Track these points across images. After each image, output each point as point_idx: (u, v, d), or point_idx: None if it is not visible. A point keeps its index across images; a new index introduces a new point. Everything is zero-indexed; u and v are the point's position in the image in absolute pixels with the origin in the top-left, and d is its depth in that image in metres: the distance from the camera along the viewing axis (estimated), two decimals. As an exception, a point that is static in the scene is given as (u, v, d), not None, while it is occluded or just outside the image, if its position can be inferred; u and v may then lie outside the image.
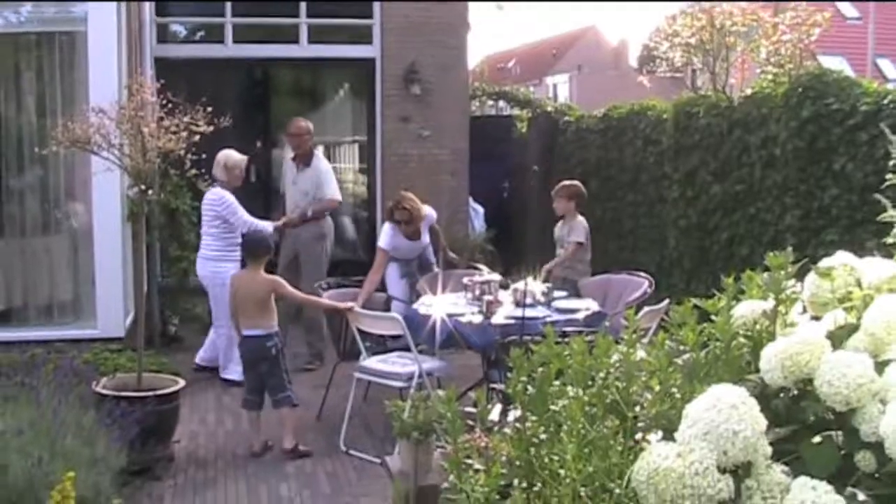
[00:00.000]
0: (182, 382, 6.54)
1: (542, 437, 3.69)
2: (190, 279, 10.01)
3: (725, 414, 2.38)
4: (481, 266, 8.80)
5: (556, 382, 3.93)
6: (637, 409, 3.41)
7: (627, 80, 52.50)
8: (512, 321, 6.67)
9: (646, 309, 6.90)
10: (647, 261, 11.29)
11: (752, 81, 9.88)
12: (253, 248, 7.11)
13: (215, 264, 8.50)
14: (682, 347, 3.46)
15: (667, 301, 7.22)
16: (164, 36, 11.91)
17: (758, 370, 2.69)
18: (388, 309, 7.96)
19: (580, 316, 6.90)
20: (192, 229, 10.02)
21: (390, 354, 7.11)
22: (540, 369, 4.05)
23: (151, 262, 10.10)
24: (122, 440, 5.47)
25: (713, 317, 3.20)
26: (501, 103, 17.69)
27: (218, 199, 8.45)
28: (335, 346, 7.62)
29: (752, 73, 10.24)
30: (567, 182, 8.86)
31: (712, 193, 9.97)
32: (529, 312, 6.83)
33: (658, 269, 11.05)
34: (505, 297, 7.25)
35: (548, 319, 6.70)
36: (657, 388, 3.50)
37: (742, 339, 3.16)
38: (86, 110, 6.12)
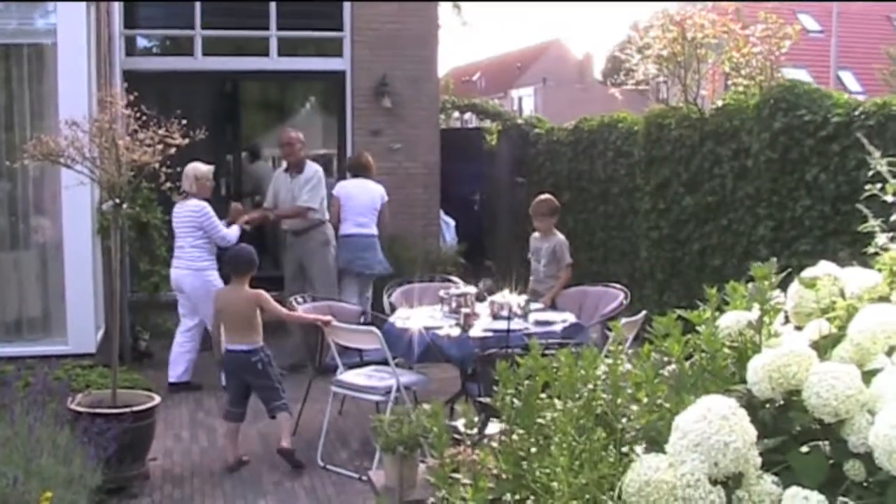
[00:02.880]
0: (157, 399, 6.48)
1: (532, 449, 3.68)
2: (161, 294, 9.94)
3: (716, 425, 2.37)
4: (456, 279, 8.78)
5: (542, 395, 3.91)
6: (624, 420, 3.40)
7: (592, 92, 52.92)
8: (490, 334, 6.66)
9: (623, 320, 6.89)
10: (619, 272, 11.32)
11: (722, 94, 9.91)
12: (235, 264, 7.04)
13: (206, 274, 8.58)
14: (666, 359, 3.47)
15: (643, 312, 7.23)
16: (132, 49, 11.81)
17: (743, 381, 2.70)
18: (362, 322, 7.93)
19: (558, 328, 6.89)
20: (164, 243, 9.94)
21: (367, 368, 7.08)
22: (526, 382, 4.04)
23: (122, 277, 9.99)
24: (98, 458, 5.41)
25: (697, 328, 3.19)
26: (467, 116, 17.74)
27: (199, 209, 8.54)
28: (310, 360, 7.57)
29: (722, 86, 10.28)
30: (545, 197, 8.69)
31: (684, 205, 10.02)
32: (503, 325, 6.82)
33: (630, 280, 11.07)
34: (482, 309, 7.24)
35: (527, 331, 6.70)
36: (644, 399, 3.50)
37: (726, 350, 3.16)
38: (58, 123, 6.05)
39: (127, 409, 6.05)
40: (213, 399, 8.64)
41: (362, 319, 8.00)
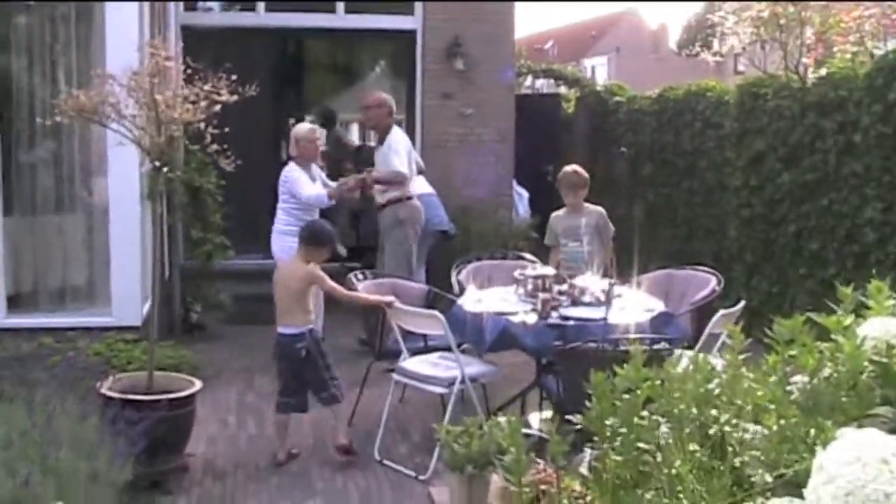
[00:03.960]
0: (198, 384, 5.84)
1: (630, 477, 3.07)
2: (215, 263, 9.35)
3: (873, 470, 1.89)
4: (531, 257, 8.03)
5: (644, 413, 3.25)
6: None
7: (666, 63, 51.71)
8: (571, 322, 5.94)
9: (721, 312, 6.15)
10: (704, 252, 10.53)
11: (827, 61, 9.03)
12: (306, 235, 6.34)
13: (286, 239, 7.95)
14: (789, 370, 2.88)
15: (742, 303, 6.47)
16: (191, 3, 11.18)
17: (887, 402, 2.41)
18: (429, 303, 7.24)
19: (647, 318, 6.14)
20: (218, 210, 9.34)
21: (432, 355, 6.40)
22: (625, 396, 3.36)
23: (173, 245, 9.44)
24: (128, 452, 4.79)
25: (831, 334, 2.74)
26: (539, 83, 16.94)
27: (284, 174, 8.28)
28: (370, 343, 6.91)
29: (824, 53, 9.39)
30: (569, 168, 7.67)
31: (780, 182, 9.18)
32: (589, 312, 6.10)
33: (715, 261, 10.28)
34: (559, 293, 6.52)
35: (611, 321, 5.96)
36: (774, 426, 2.87)
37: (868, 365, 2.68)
38: (96, 77, 5.41)
39: (162, 397, 5.42)
40: (265, 378, 8.01)
41: (429, 299, 7.30)
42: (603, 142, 13.27)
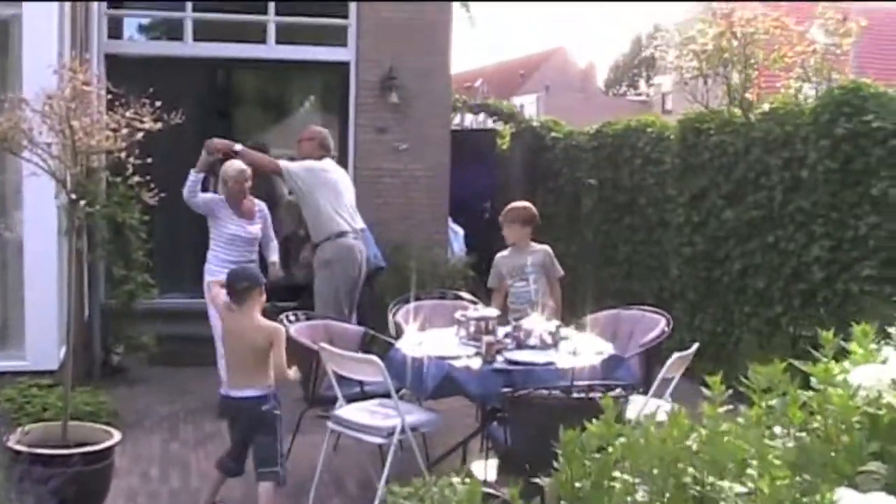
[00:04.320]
0: (117, 436, 5.39)
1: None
2: (137, 303, 8.87)
3: None
4: (471, 297, 7.70)
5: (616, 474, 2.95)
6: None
7: (594, 101, 52.12)
8: (517, 367, 5.60)
9: (676, 355, 5.86)
10: (644, 291, 10.31)
11: (769, 97, 8.86)
12: (233, 282, 5.61)
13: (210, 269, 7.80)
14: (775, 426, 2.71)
15: (696, 345, 6.19)
16: (116, 31, 10.73)
17: (876, 456, 2.30)
18: (365, 345, 6.87)
19: (597, 361, 5.82)
20: (142, 247, 8.88)
21: (370, 402, 6.01)
22: (594, 455, 3.06)
23: (94, 284, 8.95)
24: (36, 514, 4.34)
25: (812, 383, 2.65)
26: (468, 119, 16.71)
27: None
28: (304, 389, 6.49)
29: (768, 89, 9.24)
30: (520, 205, 7.40)
31: (723, 219, 8.98)
32: (536, 356, 5.78)
33: (657, 300, 10.05)
34: (503, 336, 6.18)
35: (559, 366, 5.64)
36: (763, 486, 2.64)
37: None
38: (6, 102, 4.97)
39: (76, 451, 4.97)
40: (189, 426, 7.58)
41: (365, 341, 6.92)
42: (539, 178, 13.02)
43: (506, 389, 5.10)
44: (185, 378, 8.85)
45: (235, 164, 7.74)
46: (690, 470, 2.85)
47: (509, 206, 7.28)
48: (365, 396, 6.09)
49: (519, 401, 4.93)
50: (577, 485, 2.93)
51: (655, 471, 2.84)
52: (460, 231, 11.76)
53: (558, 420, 4.98)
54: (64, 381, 5.47)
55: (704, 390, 2.75)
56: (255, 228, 7.82)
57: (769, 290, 8.45)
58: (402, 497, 3.44)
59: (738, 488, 2.78)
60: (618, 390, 4.92)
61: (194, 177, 7.77)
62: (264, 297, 5.65)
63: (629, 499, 2.83)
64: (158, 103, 5.01)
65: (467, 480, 3.39)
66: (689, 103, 9.75)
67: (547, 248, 7.15)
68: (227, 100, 11.71)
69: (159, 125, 4.91)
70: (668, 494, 2.81)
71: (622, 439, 3.01)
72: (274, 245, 8.09)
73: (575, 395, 4.82)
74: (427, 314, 7.39)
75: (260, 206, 7.95)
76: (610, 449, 2.98)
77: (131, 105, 4.91)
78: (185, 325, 9.50)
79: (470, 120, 16.33)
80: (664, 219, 10.08)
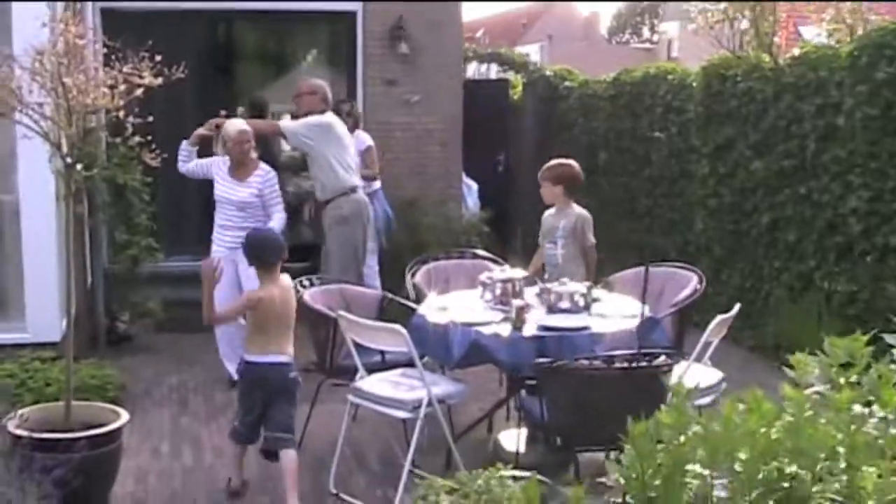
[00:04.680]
0: (125, 416, 5.02)
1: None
2: (141, 268, 8.51)
3: None
4: (492, 256, 7.31)
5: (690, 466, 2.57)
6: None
7: (597, 50, 51.44)
8: (549, 333, 5.24)
9: (718, 318, 5.49)
10: (667, 245, 9.94)
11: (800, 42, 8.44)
12: (261, 252, 5.34)
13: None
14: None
15: (737, 306, 5.82)
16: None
17: None
18: (383, 310, 6.49)
19: (632, 324, 5.46)
20: (144, 209, 8.49)
21: (392, 372, 5.64)
22: (660, 446, 2.69)
23: (95, 249, 8.58)
24: (39, 505, 4.01)
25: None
26: (476, 68, 16.25)
27: None
28: (319, 359, 6.13)
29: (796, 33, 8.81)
30: (555, 162, 6.89)
31: (752, 169, 8.59)
32: (568, 321, 5.41)
33: (680, 254, 9.69)
34: (532, 298, 5.82)
35: (595, 331, 5.28)
36: (869, 485, 2.29)
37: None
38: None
39: (82, 434, 4.61)
40: (200, 398, 7.24)
41: (383, 306, 6.55)
42: (554, 128, 12.62)
43: (540, 359, 4.72)
44: (194, 345, 8.49)
45: (236, 124, 7.28)
46: (775, 463, 2.51)
47: (547, 164, 6.82)
48: (386, 366, 5.72)
49: (556, 371, 4.57)
50: (649, 481, 2.59)
51: (738, 465, 2.51)
52: (474, 185, 11.37)
53: (598, 391, 4.64)
54: (65, 356, 5.10)
55: (731, 351, 2.39)
56: (245, 192, 7.17)
57: (801, 243, 8.08)
58: (443, 492, 3.08)
59: (834, 484, 2.46)
60: (662, 358, 4.56)
61: (186, 148, 7.42)
62: None
63: (706, 496, 2.52)
64: (158, 57, 4.61)
65: (517, 474, 3.05)
66: (699, 50, 9.32)
67: (582, 212, 6.69)
68: (227, 55, 11.29)
69: (159, 81, 4.51)
70: (755, 492, 2.48)
71: (696, 428, 2.66)
72: (278, 215, 7.24)
73: (617, 364, 4.47)
74: (445, 275, 7.04)
75: (263, 170, 7.28)
76: (682, 439, 2.65)
77: (129, 60, 4.51)
78: (191, 290, 8.97)
79: (474, 70, 15.84)
80: (686, 170, 9.69)
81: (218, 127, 7.37)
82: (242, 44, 11.65)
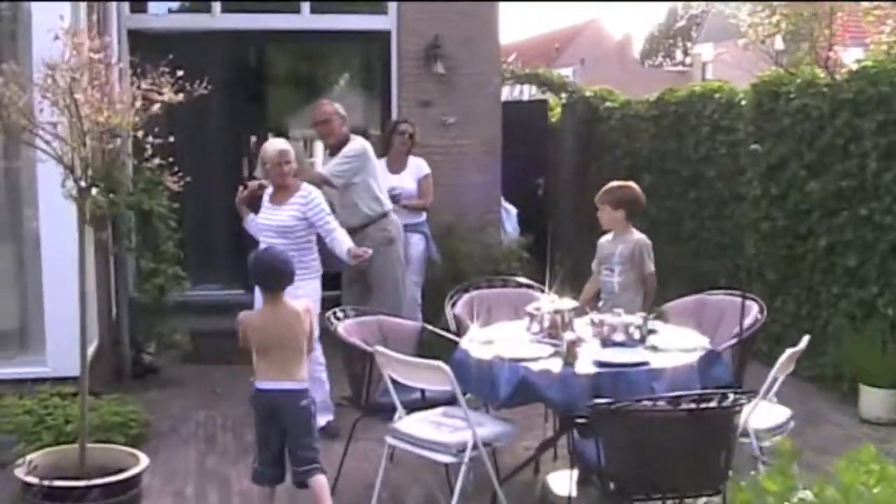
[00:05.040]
0: (144, 462, 4.65)
1: None
2: (168, 298, 8.16)
3: None
4: (537, 285, 6.89)
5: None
6: None
7: (631, 73, 51.05)
8: (604, 370, 4.82)
9: (787, 352, 5.06)
10: (715, 270, 9.52)
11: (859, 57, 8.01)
12: (264, 276, 5.11)
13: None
14: None
15: (806, 338, 5.38)
16: (140, 5, 9.98)
17: None
18: (422, 342, 6.09)
19: (693, 358, 5.04)
20: (171, 236, 8.14)
21: (433, 411, 5.23)
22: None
23: (121, 278, 8.24)
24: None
25: None
26: (516, 91, 15.91)
27: None
28: (354, 395, 5.75)
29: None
30: (615, 184, 6.55)
31: (807, 191, 8.15)
32: (624, 356, 4.99)
33: (730, 279, 9.28)
34: (583, 330, 5.41)
35: (653, 366, 4.86)
36: None
37: None
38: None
39: (95, 483, 4.24)
40: (229, 435, 6.86)
41: (422, 339, 6.15)
42: (594, 151, 12.22)
43: (597, 399, 4.30)
44: (222, 377, 8.15)
45: (276, 144, 6.74)
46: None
47: (605, 187, 6.44)
48: (426, 404, 5.32)
49: (615, 413, 4.15)
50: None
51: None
52: (513, 210, 10.96)
53: (661, 434, 4.21)
54: (81, 392, 4.73)
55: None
56: (285, 215, 6.55)
57: (863, 268, 7.63)
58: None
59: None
60: (733, 398, 4.14)
61: (251, 220, 6.84)
62: None
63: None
64: (180, 73, 4.26)
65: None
66: (733, 71, 8.90)
67: (642, 238, 6.31)
68: (258, 77, 10.95)
69: (180, 97, 4.16)
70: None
71: (805, 495, 2.25)
72: (335, 233, 6.55)
73: (683, 406, 4.04)
74: (489, 305, 6.64)
75: (305, 190, 6.62)
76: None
77: (148, 76, 4.16)
78: (220, 320, 8.70)
79: (507, 93, 15.46)
80: (736, 192, 9.26)
81: (261, 187, 6.81)
82: (273, 66, 11.32)
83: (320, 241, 6.62)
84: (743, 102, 9.22)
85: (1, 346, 7.07)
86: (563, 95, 13.09)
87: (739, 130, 9.15)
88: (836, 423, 7.06)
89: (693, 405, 4.03)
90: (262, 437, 5.04)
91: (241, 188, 6.83)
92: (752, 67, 8.94)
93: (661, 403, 4.06)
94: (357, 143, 7.41)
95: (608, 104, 12.15)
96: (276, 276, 5.00)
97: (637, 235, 6.29)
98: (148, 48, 8.41)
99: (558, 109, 13.32)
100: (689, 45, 63.15)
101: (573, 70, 55.98)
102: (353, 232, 6.81)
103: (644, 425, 4.17)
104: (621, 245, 6.21)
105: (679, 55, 73.08)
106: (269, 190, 6.73)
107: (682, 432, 4.15)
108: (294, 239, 6.51)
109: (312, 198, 6.58)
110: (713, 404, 4.05)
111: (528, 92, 15.69)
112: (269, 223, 6.61)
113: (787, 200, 8.44)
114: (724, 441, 4.25)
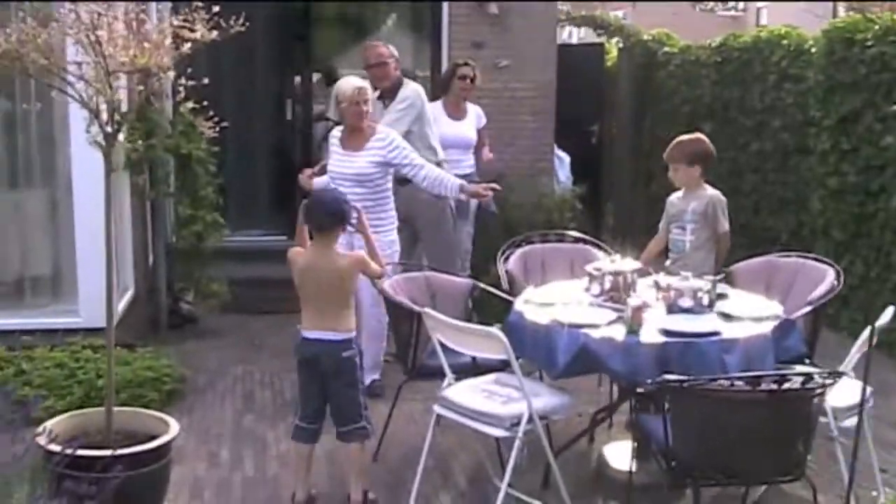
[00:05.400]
0: (174, 428, 4.32)
1: None
2: (207, 244, 7.84)
3: None
4: (595, 240, 6.48)
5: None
6: None
7: (684, 17, 50.05)
8: (672, 339, 4.44)
9: (870, 327, 4.63)
10: (778, 226, 9.12)
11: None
12: (316, 217, 4.70)
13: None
14: None
15: (892, 309, 4.95)
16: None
17: None
18: (473, 300, 5.72)
19: (767, 328, 4.65)
20: (210, 182, 7.79)
21: (484, 378, 4.88)
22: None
23: (158, 225, 7.93)
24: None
25: None
26: (565, 35, 15.35)
27: None
28: (401, 357, 5.40)
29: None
30: (685, 139, 6.05)
31: (882, 145, 7.65)
32: (693, 324, 4.60)
33: (793, 237, 8.88)
34: (646, 292, 5.02)
35: (725, 336, 4.47)
36: None
37: None
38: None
39: (122, 453, 3.92)
40: (267, 392, 6.57)
41: (473, 297, 5.76)
42: (651, 98, 11.74)
43: (668, 375, 3.90)
44: (262, 328, 7.88)
45: (352, 81, 6.08)
46: None
47: (675, 141, 6.00)
48: (478, 370, 4.96)
49: (688, 392, 3.76)
50: None
51: None
52: (566, 158, 10.50)
53: (737, 416, 3.83)
54: (108, 350, 4.41)
55: None
56: (364, 161, 5.98)
57: (940, 228, 7.18)
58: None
59: None
60: (819, 378, 3.75)
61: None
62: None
63: None
64: (216, 8, 3.88)
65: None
66: (789, 19, 8.38)
67: (716, 194, 5.89)
68: (301, 16, 10.50)
69: (214, 34, 3.78)
70: None
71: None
72: (425, 170, 6.06)
73: (764, 387, 3.66)
74: (542, 260, 6.26)
75: (382, 132, 6.09)
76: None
77: (181, 11, 3.79)
78: (260, 267, 8.54)
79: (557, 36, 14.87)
80: (803, 144, 8.77)
81: (314, 174, 6.30)
82: (318, 6, 10.87)
83: None
84: (813, 50, 8.71)
85: (33, 295, 6.81)
86: (617, 39, 12.53)
87: (809, 79, 8.65)
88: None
89: (775, 386, 3.64)
90: (303, 390, 4.74)
91: (305, 172, 6.34)
92: (807, 14, 8.41)
93: (738, 383, 3.67)
94: (410, 90, 6.98)
95: (667, 49, 11.62)
96: (328, 215, 4.63)
97: (711, 191, 5.88)
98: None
99: (614, 53, 12.79)
100: (743, -12, 61.89)
101: (623, 13, 55.08)
102: (403, 182, 6.38)
103: (718, 405, 3.79)
104: (694, 202, 5.80)
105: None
106: (337, 134, 6.19)
107: (759, 414, 3.77)
108: (373, 188, 6.01)
109: (392, 139, 6.06)
110: (797, 386, 3.66)
111: (576, 35, 15.16)
112: (342, 171, 6.03)
113: (858, 155, 7.96)
114: (804, 425, 3.87)
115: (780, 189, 9.23)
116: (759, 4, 44.75)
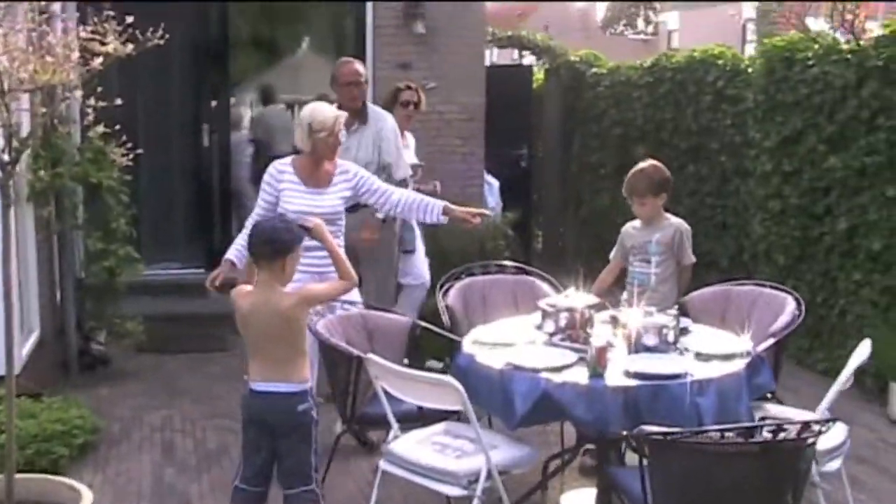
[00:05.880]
0: (87, 497, 3.81)
1: None
2: (119, 281, 7.30)
3: None
4: (539, 272, 6.06)
5: None
6: None
7: (596, 41, 50.57)
8: (641, 382, 4.05)
9: (851, 365, 4.31)
10: (716, 251, 8.84)
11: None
12: (255, 245, 4.12)
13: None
14: None
15: (867, 342, 4.63)
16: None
17: None
18: (414, 342, 5.24)
19: (739, 366, 4.30)
20: (123, 213, 7.26)
21: (433, 429, 4.44)
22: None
23: (66, 259, 7.37)
24: None
25: None
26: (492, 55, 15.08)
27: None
28: (337, 406, 4.90)
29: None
30: (644, 167, 5.55)
31: (826, 167, 7.42)
32: (659, 364, 4.22)
33: (733, 263, 8.67)
34: (603, 329, 4.63)
35: (697, 377, 4.10)
36: None
37: None
38: None
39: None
40: (189, 441, 6.04)
41: (414, 336, 5.29)
42: (579, 120, 11.46)
43: (648, 427, 3.48)
44: (180, 369, 7.37)
45: (326, 109, 5.41)
46: None
47: (632, 172, 5.57)
48: (424, 418, 4.52)
49: (672, 446, 3.37)
50: None
51: None
52: (495, 183, 10.15)
53: (724, 470, 3.45)
54: (8, 404, 3.89)
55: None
56: (334, 199, 5.40)
57: (888, 252, 6.93)
58: None
59: None
60: (816, 428, 3.38)
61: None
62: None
63: None
64: (130, 18, 3.41)
65: None
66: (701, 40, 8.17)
67: (681, 223, 5.53)
68: (220, 35, 9.99)
69: (129, 48, 3.31)
70: None
71: None
72: (396, 195, 5.51)
73: (757, 439, 3.28)
74: (483, 294, 5.84)
75: (343, 166, 5.50)
76: None
77: (89, 22, 3.32)
78: (177, 302, 8.09)
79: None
80: (743, 167, 8.53)
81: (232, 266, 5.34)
82: (236, 22, 10.37)
83: None
84: (750, 70, 8.49)
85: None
86: (545, 60, 12.24)
87: (747, 99, 8.41)
88: (865, 425, 6.38)
89: (769, 436, 3.26)
90: (248, 447, 4.15)
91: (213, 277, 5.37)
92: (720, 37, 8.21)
93: (730, 435, 3.28)
94: (379, 113, 6.71)
95: (595, 70, 11.37)
96: (263, 244, 4.05)
97: (674, 220, 5.54)
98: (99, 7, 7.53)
99: (540, 75, 12.50)
100: (651, 14, 62.54)
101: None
102: (350, 210, 5.82)
103: (705, 458, 3.41)
104: (657, 233, 5.44)
105: (640, 24, 72.38)
106: (286, 169, 5.45)
107: (750, 466, 3.39)
108: (341, 224, 5.45)
109: (355, 170, 5.52)
110: (792, 436, 3.29)
111: (496, 56, 14.88)
112: (310, 211, 5.15)
113: (801, 177, 7.72)
114: (796, 475, 3.51)
115: (718, 213, 8.98)
116: (671, 27, 45.24)
